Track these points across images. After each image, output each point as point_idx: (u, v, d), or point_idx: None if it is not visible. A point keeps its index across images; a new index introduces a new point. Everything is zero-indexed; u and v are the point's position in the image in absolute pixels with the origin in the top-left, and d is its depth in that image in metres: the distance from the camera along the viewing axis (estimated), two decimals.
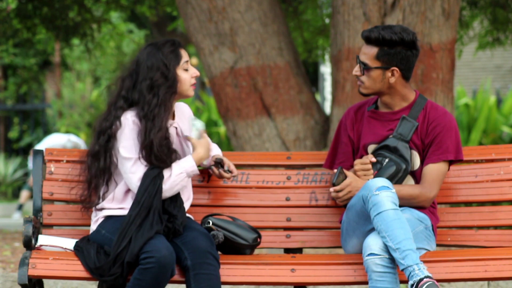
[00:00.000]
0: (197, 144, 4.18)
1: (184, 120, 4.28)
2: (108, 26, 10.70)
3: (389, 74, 4.21)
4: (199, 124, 4.21)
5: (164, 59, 4.12)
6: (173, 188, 4.09)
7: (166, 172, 4.08)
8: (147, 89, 4.10)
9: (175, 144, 4.20)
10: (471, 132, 11.17)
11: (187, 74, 4.19)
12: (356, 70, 4.24)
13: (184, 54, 4.18)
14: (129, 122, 4.10)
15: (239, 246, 4.21)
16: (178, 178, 4.09)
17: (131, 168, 4.08)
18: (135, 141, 4.08)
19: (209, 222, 4.18)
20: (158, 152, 4.05)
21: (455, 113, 8.29)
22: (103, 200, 4.17)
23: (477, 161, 4.46)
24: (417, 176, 4.25)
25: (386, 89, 4.24)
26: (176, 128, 4.23)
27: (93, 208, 4.20)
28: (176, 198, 4.13)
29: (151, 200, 4.00)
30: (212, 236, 4.12)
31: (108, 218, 4.13)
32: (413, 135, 4.23)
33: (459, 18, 8.55)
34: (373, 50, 4.19)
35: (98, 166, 4.14)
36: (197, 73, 4.22)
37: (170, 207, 4.09)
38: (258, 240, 4.25)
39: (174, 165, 4.10)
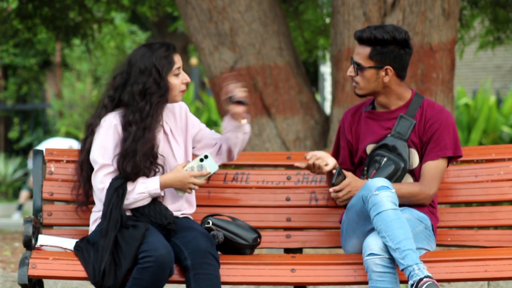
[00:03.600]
0: (179, 174, 4.11)
1: (176, 117, 4.25)
2: (109, 26, 10.70)
3: (383, 73, 4.21)
4: (210, 167, 4.15)
5: (157, 64, 4.08)
6: (133, 204, 4.06)
7: (129, 186, 4.06)
8: (139, 94, 4.08)
9: (162, 143, 4.18)
10: (471, 132, 11.17)
11: (178, 79, 4.15)
12: (350, 71, 4.25)
13: (177, 60, 4.14)
14: (106, 124, 4.08)
15: (239, 246, 4.21)
16: (139, 196, 4.07)
17: (96, 171, 4.07)
18: (107, 145, 4.06)
19: (209, 222, 4.18)
20: (139, 162, 4.03)
21: (455, 113, 8.29)
22: (87, 198, 4.16)
23: (477, 161, 4.46)
24: (416, 174, 4.25)
25: (381, 88, 4.24)
26: (163, 126, 4.20)
27: (92, 209, 4.20)
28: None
29: (118, 211, 3.98)
30: (212, 236, 4.11)
31: None
32: (411, 133, 4.24)
33: (459, 18, 8.56)
34: (366, 50, 4.20)
35: (81, 162, 4.16)
36: (187, 79, 4.18)
37: (140, 208, 4.08)
38: (258, 240, 4.25)
39: (139, 181, 4.06)
